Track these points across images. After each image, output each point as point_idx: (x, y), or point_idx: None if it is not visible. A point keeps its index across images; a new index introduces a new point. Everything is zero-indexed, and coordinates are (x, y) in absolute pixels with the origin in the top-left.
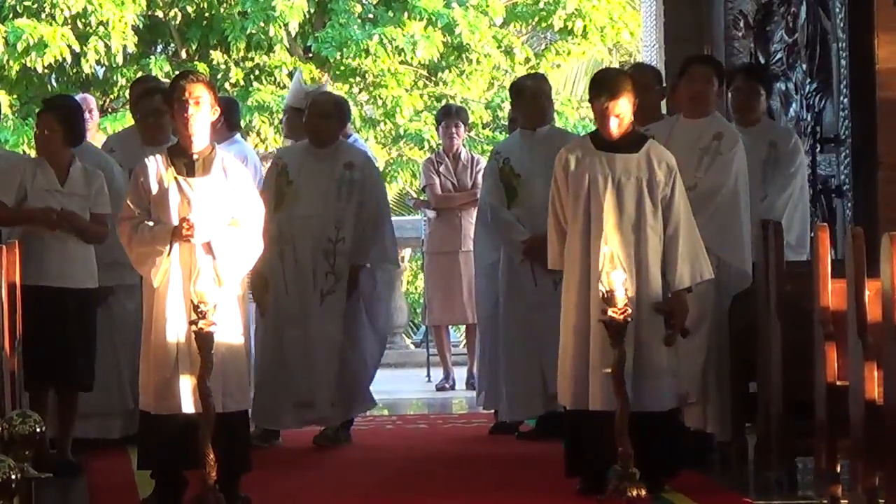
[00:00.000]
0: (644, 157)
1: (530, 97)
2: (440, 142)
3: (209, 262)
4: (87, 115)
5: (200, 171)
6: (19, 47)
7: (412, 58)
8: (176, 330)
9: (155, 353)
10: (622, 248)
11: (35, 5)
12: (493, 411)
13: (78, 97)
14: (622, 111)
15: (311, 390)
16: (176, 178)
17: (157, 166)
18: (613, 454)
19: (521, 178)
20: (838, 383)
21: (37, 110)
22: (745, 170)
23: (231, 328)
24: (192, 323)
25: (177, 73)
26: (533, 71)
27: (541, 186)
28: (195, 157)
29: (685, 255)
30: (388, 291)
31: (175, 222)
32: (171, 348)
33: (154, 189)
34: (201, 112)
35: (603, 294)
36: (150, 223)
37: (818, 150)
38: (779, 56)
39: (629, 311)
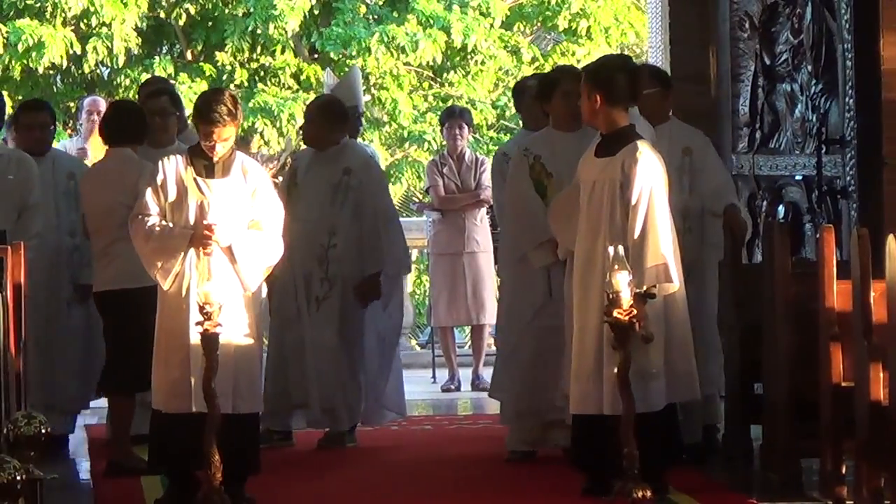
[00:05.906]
0: (619, 160)
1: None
2: (444, 143)
3: (228, 266)
4: (94, 116)
5: (220, 172)
6: (20, 48)
7: (414, 59)
8: (188, 330)
9: (167, 352)
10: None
11: (38, 5)
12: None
13: (87, 99)
14: None
15: (306, 395)
16: (195, 179)
17: (176, 166)
18: (617, 456)
19: None
20: (844, 384)
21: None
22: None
23: (242, 330)
24: (197, 324)
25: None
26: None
27: None
28: (215, 158)
29: (637, 260)
30: (395, 296)
31: (192, 223)
32: (184, 348)
33: (172, 189)
34: (226, 145)
35: (608, 295)
36: (169, 224)
37: (823, 150)
38: (784, 57)
39: (634, 312)
